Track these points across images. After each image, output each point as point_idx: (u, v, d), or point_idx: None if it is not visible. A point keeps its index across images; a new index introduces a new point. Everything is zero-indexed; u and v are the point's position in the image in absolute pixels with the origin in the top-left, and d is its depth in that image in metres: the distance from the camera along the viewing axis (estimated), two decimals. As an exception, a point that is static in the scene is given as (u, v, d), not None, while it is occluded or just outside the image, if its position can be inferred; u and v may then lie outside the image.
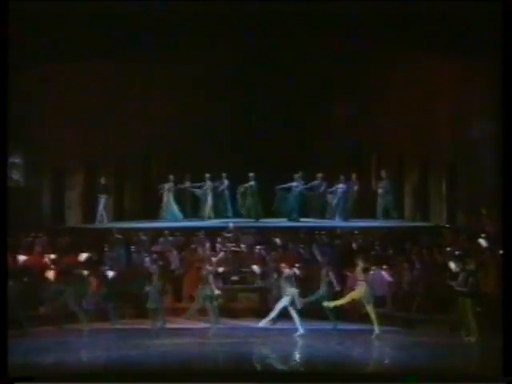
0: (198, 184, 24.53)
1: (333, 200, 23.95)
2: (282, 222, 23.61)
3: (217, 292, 17.53)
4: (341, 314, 17.39)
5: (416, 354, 15.32)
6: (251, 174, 23.96)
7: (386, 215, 23.74)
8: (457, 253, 17.84)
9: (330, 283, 17.48)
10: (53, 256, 19.09)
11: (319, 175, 24.09)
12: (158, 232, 21.74)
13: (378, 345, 16.34)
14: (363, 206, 24.53)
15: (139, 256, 19.84)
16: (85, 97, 23.96)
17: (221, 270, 19.14)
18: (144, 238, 21.10)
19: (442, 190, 23.63)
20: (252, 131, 26.08)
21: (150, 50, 23.08)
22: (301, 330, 16.76)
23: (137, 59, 24.08)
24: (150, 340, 16.67)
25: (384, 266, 18.70)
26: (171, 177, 24.44)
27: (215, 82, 26.08)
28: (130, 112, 25.38)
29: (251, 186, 23.99)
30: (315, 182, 24.06)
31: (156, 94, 26.02)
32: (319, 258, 18.79)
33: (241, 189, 24.11)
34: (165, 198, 24.34)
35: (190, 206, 24.98)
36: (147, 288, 17.58)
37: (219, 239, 20.74)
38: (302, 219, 23.82)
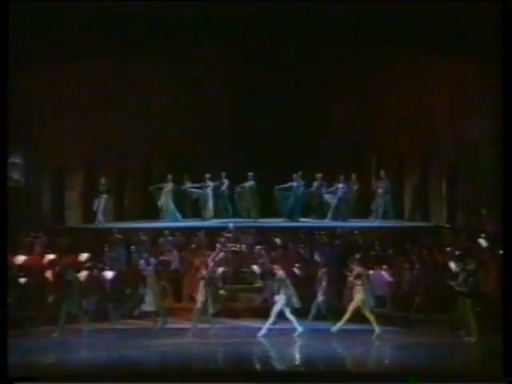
0: (198, 184, 24.50)
1: (333, 200, 23.93)
2: (282, 222, 23.60)
3: (221, 292, 17.54)
4: (340, 314, 17.36)
5: (416, 353, 15.33)
6: (250, 174, 23.97)
7: (385, 215, 23.75)
8: (457, 253, 17.83)
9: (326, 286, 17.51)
10: (53, 256, 19.09)
11: (318, 175, 24.09)
12: (158, 232, 21.74)
13: (378, 345, 16.35)
14: (363, 206, 24.53)
15: (139, 256, 19.82)
16: (85, 97, 23.95)
17: (221, 269, 19.14)
18: (144, 237, 21.10)
19: (442, 190, 23.63)
20: (252, 131, 26.07)
21: (150, 50, 23.07)
22: (299, 329, 16.76)
23: (137, 59, 24.07)
24: (150, 340, 16.68)
25: (384, 266, 18.73)
26: (169, 176, 24.44)
27: (215, 82, 26.10)
28: (130, 112, 25.36)
29: (250, 186, 23.99)
30: (316, 184, 24.05)
31: (156, 93, 25.99)
32: (317, 258, 18.81)
33: (238, 188, 24.12)
34: (163, 198, 24.32)
35: (190, 206, 24.95)
36: (141, 291, 17.56)
37: (220, 239, 20.76)
38: (302, 219, 23.81)
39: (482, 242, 18.38)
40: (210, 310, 17.26)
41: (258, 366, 14.87)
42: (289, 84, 25.79)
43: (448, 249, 18.62)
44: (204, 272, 17.67)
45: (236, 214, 24.21)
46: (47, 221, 23.68)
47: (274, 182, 23.83)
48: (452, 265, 16.96)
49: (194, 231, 21.78)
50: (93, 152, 24.75)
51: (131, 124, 25.41)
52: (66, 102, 23.63)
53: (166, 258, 20.18)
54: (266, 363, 15.30)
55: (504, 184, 13.79)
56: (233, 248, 20.47)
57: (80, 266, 18.35)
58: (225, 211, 24.52)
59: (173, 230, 21.72)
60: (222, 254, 20.06)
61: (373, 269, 18.69)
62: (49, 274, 18.33)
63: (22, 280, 17.80)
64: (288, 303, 16.86)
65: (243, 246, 20.74)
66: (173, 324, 17.98)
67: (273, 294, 17.30)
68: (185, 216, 24.63)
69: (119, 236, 20.95)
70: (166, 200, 24.32)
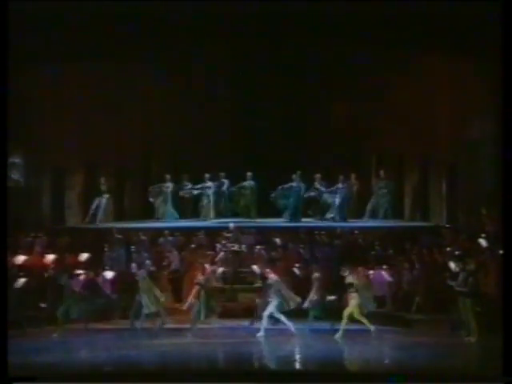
0: (200, 185, 24.45)
1: (332, 200, 23.93)
2: (282, 222, 23.60)
3: (214, 304, 17.52)
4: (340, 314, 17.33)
5: (416, 353, 15.31)
6: (249, 174, 23.98)
7: (385, 215, 23.78)
8: (457, 253, 17.85)
9: (320, 289, 17.48)
10: (53, 256, 19.10)
11: (317, 175, 24.09)
12: (158, 232, 21.74)
13: (378, 345, 16.34)
14: (363, 206, 24.53)
15: (138, 256, 19.82)
16: (85, 97, 23.95)
17: (221, 269, 19.15)
18: (144, 237, 21.11)
19: (442, 190, 23.62)
20: (252, 131, 26.06)
21: (150, 50, 23.07)
22: (292, 330, 16.74)
23: (137, 59, 24.08)
24: (150, 340, 16.68)
25: (384, 266, 18.73)
26: (168, 176, 24.46)
27: (215, 81, 26.10)
28: (129, 112, 25.35)
29: (250, 186, 24.00)
30: (316, 184, 24.05)
31: (156, 94, 25.98)
32: (312, 259, 18.82)
33: (233, 188, 24.14)
34: (161, 198, 24.32)
35: (190, 206, 24.94)
36: (137, 298, 17.52)
37: (220, 239, 20.79)
38: (302, 219, 23.80)
39: (482, 241, 18.38)
40: (201, 317, 17.27)
41: (257, 366, 14.85)
42: (289, 84, 25.75)
43: (448, 249, 18.63)
44: (201, 278, 17.68)
45: (234, 214, 24.20)
46: (47, 221, 23.67)
47: (274, 182, 23.83)
48: (452, 265, 16.96)
49: (193, 231, 21.79)
50: (93, 152, 24.75)
51: (131, 124, 25.41)
52: (65, 102, 23.63)
53: (165, 263, 20.17)
54: (265, 363, 15.32)
55: (504, 184, 13.79)
56: (233, 248, 20.48)
57: (77, 268, 18.34)
58: (225, 211, 24.53)
59: (173, 230, 21.73)
60: (222, 253, 20.12)
61: (373, 269, 18.74)
62: (48, 274, 18.34)
63: (22, 280, 17.80)
64: (280, 307, 16.83)
65: (243, 246, 20.74)
66: (173, 324, 17.98)
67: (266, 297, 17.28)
68: (184, 216, 24.64)
69: (119, 236, 20.96)
70: (165, 200, 24.32)
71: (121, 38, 21.19)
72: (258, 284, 19.30)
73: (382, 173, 24.26)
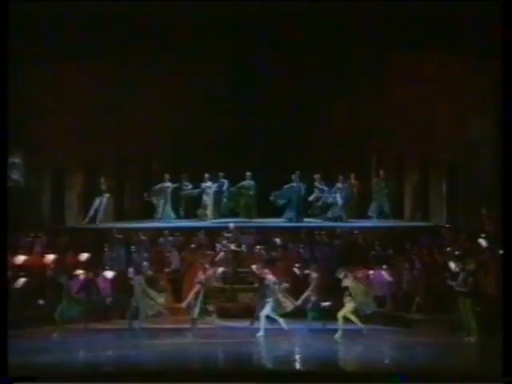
0: (202, 187, 24.42)
1: (335, 200, 23.93)
2: (282, 222, 23.60)
3: (210, 307, 17.51)
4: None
5: (416, 353, 15.33)
6: (248, 173, 23.98)
7: (384, 215, 23.79)
8: (457, 253, 17.84)
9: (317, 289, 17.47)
10: (53, 256, 19.10)
11: (316, 176, 24.09)
12: (158, 232, 21.74)
13: (378, 345, 16.34)
14: (363, 206, 24.53)
15: (139, 256, 19.81)
16: (85, 97, 23.95)
17: (221, 269, 19.14)
18: (144, 238, 21.10)
19: (442, 189, 23.61)
20: (252, 131, 26.05)
21: (150, 50, 23.06)
22: (285, 327, 16.74)
23: (137, 59, 24.08)
24: (149, 340, 16.68)
25: (384, 266, 18.73)
26: (167, 176, 24.47)
27: (215, 81, 26.10)
28: (129, 112, 25.35)
29: (250, 186, 24.00)
30: (316, 185, 24.06)
31: (156, 94, 25.97)
32: (312, 259, 18.81)
33: (234, 188, 24.14)
34: (161, 198, 24.34)
35: (190, 206, 24.95)
36: (133, 302, 17.51)
37: (220, 239, 20.79)
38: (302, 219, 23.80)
39: (482, 242, 18.37)
40: (194, 315, 17.25)
41: (257, 366, 14.85)
42: (289, 84, 25.77)
43: (448, 249, 18.62)
44: (202, 276, 17.68)
45: (234, 214, 24.20)
46: (47, 221, 23.67)
47: (274, 182, 23.83)
48: (452, 265, 16.96)
49: (193, 231, 21.79)
50: (93, 152, 24.75)
51: (131, 124, 25.40)
52: (65, 102, 23.62)
53: (165, 263, 20.17)
54: (265, 363, 15.32)
55: (504, 184, 13.78)
56: (233, 248, 20.48)
57: (77, 268, 18.34)
58: (225, 211, 24.53)
59: (173, 230, 21.72)
60: (222, 253, 20.11)
61: (373, 269, 18.74)
62: (48, 274, 18.35)
63: (22, 280, 17.79)
64: (274, 308, 16.83)
65: (243, 246, 20.74)
66: (173, 324, 17.99)
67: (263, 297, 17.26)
68: (184, 216, 24.65)
69: (119, 236, 20.95)
70: (164, 200, 24.32)
71: (121, 38, 21.21)
72: (258, 284, 19.35)
73: (382, 173, 24.26)
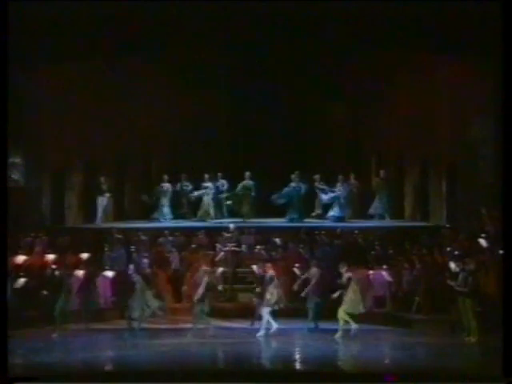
0: (204, 190, 24.41)
1: (333, 200, 23.93)
2: (282, 222, 23.60)
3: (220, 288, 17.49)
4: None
5: (416, 353, 15.33)
6: (248, 173, 23.98)
7: (384, 215, 23.81)
8: (457, 253, 17.83)
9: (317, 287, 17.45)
10: (53, 256, 19.10)
11: (316, 176, 24.10)
12: (158, 232, 21.74)
13: (378, 345, 16.35)
14: (363, 206, 24.53)
15: (139, 256, 19.81)
16: (85, 97, 23.95)
17: (221, 269, 19.14)
18: (144, 238, 21.10)
19: (442, 190, 23.61)
20: (251, 131, 26.08)
21: (150, 50, 23.05)
22: (275, 326, 16.72)
23: (137, 59, 24.09)
24: (149, 340, 16.68)
25: (384, 266, 18.73)
26: (166, 177, 24.48)
27: (215, 81, 26.11)
28: (129, 112, 25.35)
29: (249, 186, 24.00)
30: (316, 185, 24.07)
31: (156, 93, 25.98)
32: (312, 259, 18.80)
33: (233, 189, 24.14)
34: (160, 198, 24.37)
35: (189, 206, 24.95)
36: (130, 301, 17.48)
37: (220, 239, 20.79)
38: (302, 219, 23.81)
39: (482, 242, 18.37)
40: (206, 307, 17.21)
41: (257, 366, 14.85)
42: (289, 84, 25.79)
43: (448, 249, 18.61)
44: (207, 268, 17.66)
45: (234, 214, 24.20)
46: (47, 221, 23.67)
47: (274, 182, 23.83)
48: (452, 265, 16.95)
49: (193, 231, 21.79)
50: (93, 152, 24.76)
51: (131, 124, 25.41)
52: (65, 102, 23.60)
53: (165, 263, 20.17)
54: (265, 363, 15.33)
55: (504, 184, 13.79)
56: (233, 248, 20.48)
57: (77, 267, 18.35)
58: (225, 211, 24.54)
59: (173, 230, 21.72)
60: (222, 254, 20.12)
61: (373, 269, 18.75)
62: (48, 274, 18.34)
63: (22, 280, 17.79)
64: (270, 303, 16.82)
65: (243, 246, 20.74)
66: (173, 324, 17.98)
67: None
68: (184, 217, 24.66)
69: (119, 236, 20.95)
70: (163, 200, 24.34)
71: (120, 38, 21.17)
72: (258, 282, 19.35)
73: (382, 173, 24.27)
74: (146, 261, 19.00)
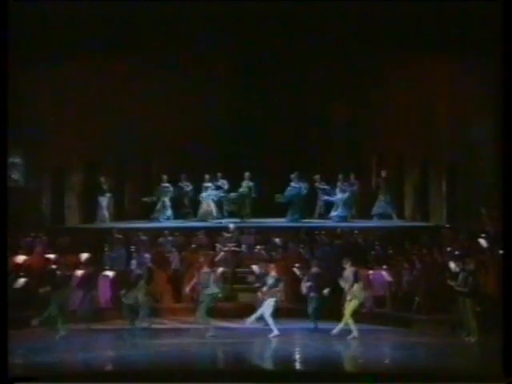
0: (205, 193, 24.40)
1: (332, 200, 23.93)
2: (282, 222, 23.60)
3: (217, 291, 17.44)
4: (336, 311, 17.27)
5: (416, 353, 15.33)
6: (247, 173, 23.98)
7: (385, 215, 23.82)
8: (457, 253, 17.83)
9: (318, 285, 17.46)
10: (53, 256, 19.10)
11: (316, 177, 24.09)
12: (158, 232, 21.74)
13: (378, 345, 16.34)
14: (363, 206, 24.53)
15: (138, 255, 19.79)
16: (84, 97, 23.95)
17: (221, 269, 19.12)
18: (144, 237, 21.10)
19: (442, 189, 23.61)
20: (252, 131, 26.07)
21: (150, 50, 23.06)
22: (275, 332, 16.70)
23: (137, 59, 24.09)
24: (149, 340, 16.68)
25: (384, 266, 18.73)
26: (165, 177, 24.49)
27: (215, 81, 26.12)
28: (129, 112, 25.35)
29: (249, 186, 24.00)
30: (316, 185, 24.07)
31: (156, 93, 25.98)
32: (312, 259, 18.80)
33: (234, 190, 24.15)
34: (160, 198, 24.38)
35: (190, 206, 24.96)
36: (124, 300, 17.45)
37: (220, 239, 20.79)
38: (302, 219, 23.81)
39: (482, 242, 18.37)
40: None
41: (257, 366, 14.86)
42: (289, 84, 25.80)
43: (448, 249, 18.62)
44: (209, 269, 17.66)
45: (234, 215, 24.21)
46: (47, 221, 23.68)
47: (274, 182, 23.83)
48: (452, 265, 16.95)
49: (193, 231, 21.79)
50: (93, 152, 24.76)
51: (131, 124, 25.41)
52: (65, 102, 23.62)
53: (165, 263, 20.15)
54: (265, 363, 15.32)
55: (504, 184, 13.79)
56: (233, 248, 20.48)
57: (77, 268, 18.35)
58: (225, 212, 24.54)
59: (173, 230, 21.72)
60: (221, 253, 20.11)
61: (373, 269, 18.75)
62: (48, 274, 18.33)
63: (22, 280, 17.78)
64: (275, 306, 16.81)
65: (243, 246, 20.74)
66: (173, 324, 17.97)
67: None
68: (186, 216, 24.66)
69: (119, 236, 20.95)
70: (161, 200, 24.35)
71: (120, 38, 21.18)
72: (258, 284, 19.33)
73: (383, 173, 24.28)
74: (147, 255, 19.00)
